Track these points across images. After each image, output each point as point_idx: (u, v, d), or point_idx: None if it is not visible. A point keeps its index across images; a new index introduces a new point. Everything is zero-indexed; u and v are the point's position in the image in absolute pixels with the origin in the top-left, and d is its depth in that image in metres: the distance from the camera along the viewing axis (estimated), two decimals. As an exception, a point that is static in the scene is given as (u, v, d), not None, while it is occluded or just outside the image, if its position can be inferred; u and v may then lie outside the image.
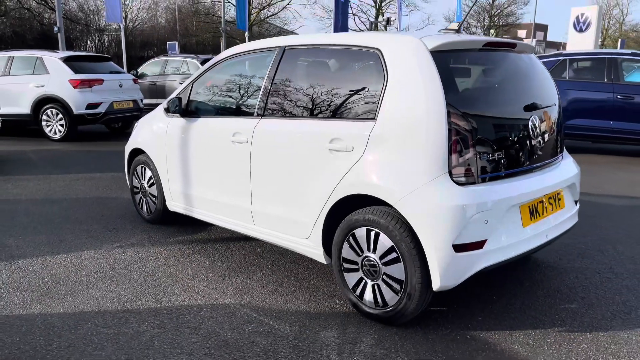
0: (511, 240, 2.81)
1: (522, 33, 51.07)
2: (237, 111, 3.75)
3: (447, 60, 2.80)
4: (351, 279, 3.03)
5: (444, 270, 2.63)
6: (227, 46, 23.18)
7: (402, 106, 2.76)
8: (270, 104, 3.44)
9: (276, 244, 3.53)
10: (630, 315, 3.04)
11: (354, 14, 41.92)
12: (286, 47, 3.47)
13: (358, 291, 2.99)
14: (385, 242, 2.80)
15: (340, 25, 19.83)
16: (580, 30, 24.82)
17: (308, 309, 3.10)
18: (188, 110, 4.08)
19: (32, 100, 9.84)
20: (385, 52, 2.89)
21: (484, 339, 2.77)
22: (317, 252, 3.23)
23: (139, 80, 12.91)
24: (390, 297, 2.84)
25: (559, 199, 3.21)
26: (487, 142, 2.76)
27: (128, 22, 53.09)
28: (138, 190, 4.78)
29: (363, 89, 2.98)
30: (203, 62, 12.48)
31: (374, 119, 2.86)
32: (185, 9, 48.43)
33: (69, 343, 2.70)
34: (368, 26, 39.21)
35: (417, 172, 2.69)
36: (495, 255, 2.74)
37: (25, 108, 9.93)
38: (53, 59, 9.86)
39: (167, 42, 23.66)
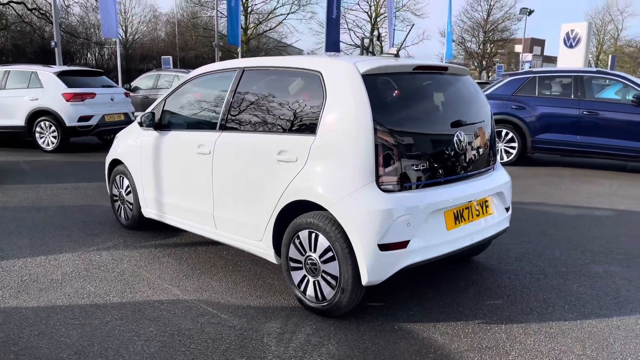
0: (435, 242, 3.16)
1: (519, 48, 51.73)
2: (203, 125, 4.12)
3: (377, 83, 3.17)
4: (296, 276, 3.37)
5: (371, 267, 2.98)
6: (223, 60, 23.84)
7: (337, 122, 3.13)
8: (230, 119, 3.81)
9: (236, 247, 3.88)
10: (547, 310, 3.38)
11: (349, 29, 42.61)
12: (245, 68, 3.85)
13: (302, 287, 3.34)
14: (323, 242, 3.16)
15: (333, 41, 20.32)
16: (571, 46, 25.36)
17: (259, 304, 3.44)
18: (161, 124, 4.45)
19: (26, 113, 10.24)
20: (324, 75, 3.27)
21: (409, 329, 3.11)
22: (269, 253, 3.58)
23: (132, 94, 13.33)
24: (328, 291, 3.19)
25: (487, 206, 3.57)
26: (412, 154, 3.12)
27: (128, 35, 53.79)
28: (117, 198, 5.13)
29: (307, 106, 3.35)
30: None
31: (315, 133, 3.23)
32: (184, 22, 49.11)
33: (39, 332, 3.04)
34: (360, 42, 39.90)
35: (348, 180, 3.05)
36: (419, 254, 3.09)
37: (19, 120, 10.33)
38: (47, 74, 10.28)
39: (162, 57, 24.14)
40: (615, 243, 4.78)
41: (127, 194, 4.94)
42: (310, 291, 3.29)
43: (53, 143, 10.18)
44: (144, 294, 3.58)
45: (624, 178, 8.15)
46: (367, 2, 42.76)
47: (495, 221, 3.63)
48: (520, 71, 9.99)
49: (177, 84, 4.51)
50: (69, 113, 10.00)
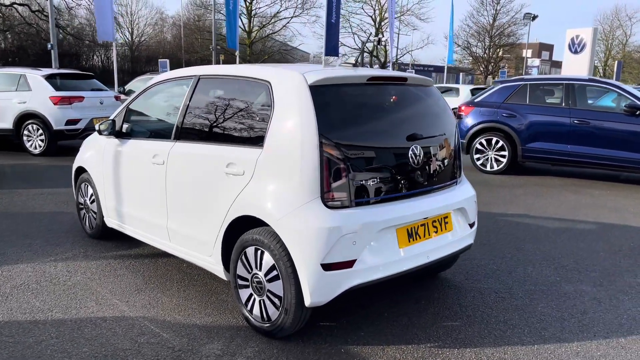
0: (385, 261, 3.01)
1: (528, 52, 51.43)
2: (159, 134, 3.99)
3: (326, 94, 3.02)
4: (244, 294, 3.23)
5: (314, 288, 2.83)
6: (226, 63, 23.66)
7: (283, 135, 2.99)
8: (184, 128, 3.68)
9: (188, 260, 3.75)
10: (506, 333, 3.22)
11: (353, 33, 42.53)
12: (200, 76, 3.72)
13: (249, 306, 3.20)
14: (268, 260, 3.02)
15: (332, 45, 20.21)
16: (575, 52, 25.10)
17: (205, 323, 3.30)
18: (122, 132, 4.33)
19: (14, 116, 10.17)
20: (273, 85, 3.13)
21: (355, 353, 2.96)
22: (218, 269, 3.44)
23: (125, 97, 13.25)
24: (273, 312, 3.04)
25: (447, 222, 3.41)
26: (362, 170, 2.97)
27: (134, 37, 53.94)
28: (82, 207, 5.02)
29: (255, 117, 3.22)
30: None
31: (262, 145, 3.09)
32: (190, 25, 49.25)
33: (-31, 350, 2.91)
34: (361, 46, 39.82)
35: (292, 196, 2.91)
36: (367, 274, 2.94)
37: (7, 123, 10.26)
38: (35, 77, 10.20)
39: (159, 59, 24.11)
40: (591, 259, 4.61)
41: (91, 203, 4.83)
42: (256, 310, 3.15)
43: (40, 146, 10.11)
44: (89, 310, 3.45)
45: (615, 189, 7.96)
46: (372, 6, 42.67)
47: (457, 238, 3.48)
48: (511, 78, 9.82)
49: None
50: (56, 116, 9.92)
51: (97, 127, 4.45)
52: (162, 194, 3.79)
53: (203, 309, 3.49)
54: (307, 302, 2.86)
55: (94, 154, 4.68)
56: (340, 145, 2.91)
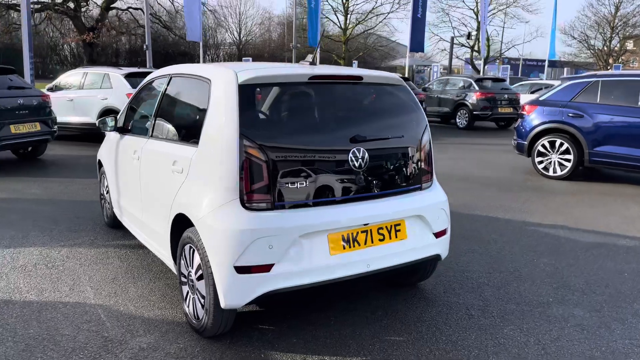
0: (311, 267, 2.88)
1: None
2: (142, 131, 4.15)
3: (255, 94, 2.95)
4: (184, 291, 3.27)
5: (227, 290, 2.79)
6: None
7: (211, 134, 2.98)
8: (155, 126, 3.80)
9: (156, 254, 3.87)
10: (448, 354, 2.94)
11: (453, 27, 41.03)
12: (172, 75, 3.81)
13: (187, 303, 3.23)
14: (197, 259, 3.02)
15: (417, 40, 19.69)
16: None
17: (152, 315, 3.38)
18: (122, 127, 4.57)
19: (97, 111, 11.12)
20: (212, 83, 3.12)
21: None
22: (170, 264, 3.51)
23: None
24: (200, 311, 3.05)
25: (398, 230, 3.19)
26: (289, 172, 2.85)
27: (242, 36, 56.31)
28: (102, 197, 5.37)
29: (196, 115, 3.23)
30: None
31: (197, 143, 3.10)
32: (291, 24, 50.49)
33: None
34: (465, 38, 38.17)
35: (214, 196, 2.88)
36: (288, 280, 2.84)
37: (92, 117, 11.24)
38: (116, 75, 11.08)
39: (242, 58, 24.99)
40: (607, 281, 4.06)
41: (107, 193, 5.15)
42: (191, 308, 3.18)
43: None
44: (59, 295, 3.68)
45: (697, 201, 6.93)
46: (474, -1, 40.86)
47: (410, 247, 3.23)
48: (581, 75, 8.89)
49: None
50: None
51: (97, 122, 4.73)
52: (138, 189, 3.94)
53: (159, 301, 3.59)
54: (222, 304, 2.83)
55: (107, 148, 4.99)
56: (265, 147, 2.82)
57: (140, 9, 33.04)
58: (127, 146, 4.27)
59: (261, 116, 2.96)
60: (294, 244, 2.83)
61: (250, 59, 25.99)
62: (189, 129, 3.29)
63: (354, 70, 3.45)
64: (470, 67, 43.59)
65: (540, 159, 8.43)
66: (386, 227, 3.14)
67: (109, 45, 39.95)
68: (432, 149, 3.49)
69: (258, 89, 2.98)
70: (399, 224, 3.20)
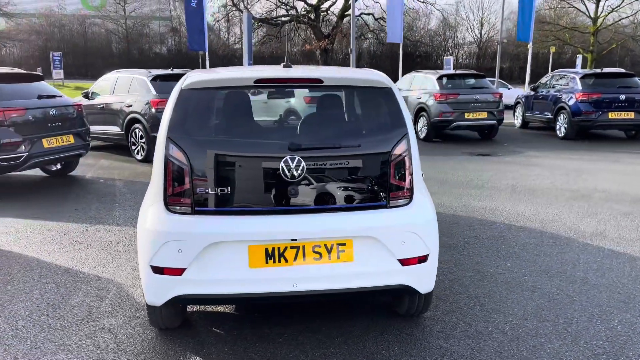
0: (227, 278, 2.77)
1: None
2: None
3: (194, 98, 2.93)
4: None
5: (146, 288, 2.89)
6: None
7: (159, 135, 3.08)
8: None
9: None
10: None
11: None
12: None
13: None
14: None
15: None
16: None
17: (137, 299, 3.62)
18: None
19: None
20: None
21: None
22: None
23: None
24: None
25: (342, 250, 2.82)
26: (212, 178, 2.79)
27: (483, 34, 53.48)
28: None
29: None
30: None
31: (163, 144, 3.24)
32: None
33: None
34: None
35: (148, 196, 3.00)
36: (200, 286, 2.79)
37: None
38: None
39: (444, 57, 23.89)
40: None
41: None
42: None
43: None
44: (64, 264, 4.15)
45: None
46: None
47: (358, 272, 2.83)
48: None
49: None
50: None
51: None
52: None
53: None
54: (145, 299, 2.93)
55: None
56: (190, 151, 2.80)
57: (372, 14, 34.68)
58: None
59: (195, 121, 2.94)
60: (206, 251, 2.76)
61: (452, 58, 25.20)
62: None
63: (316, 71, 3.15)
64: None
65: None
66: (325, 245, 2.81)
67: (339, 50, 42.54)
68: (413, 161, 2.96)
69: (201, 94, 2.96)
70: (344, 244, 2.82)
